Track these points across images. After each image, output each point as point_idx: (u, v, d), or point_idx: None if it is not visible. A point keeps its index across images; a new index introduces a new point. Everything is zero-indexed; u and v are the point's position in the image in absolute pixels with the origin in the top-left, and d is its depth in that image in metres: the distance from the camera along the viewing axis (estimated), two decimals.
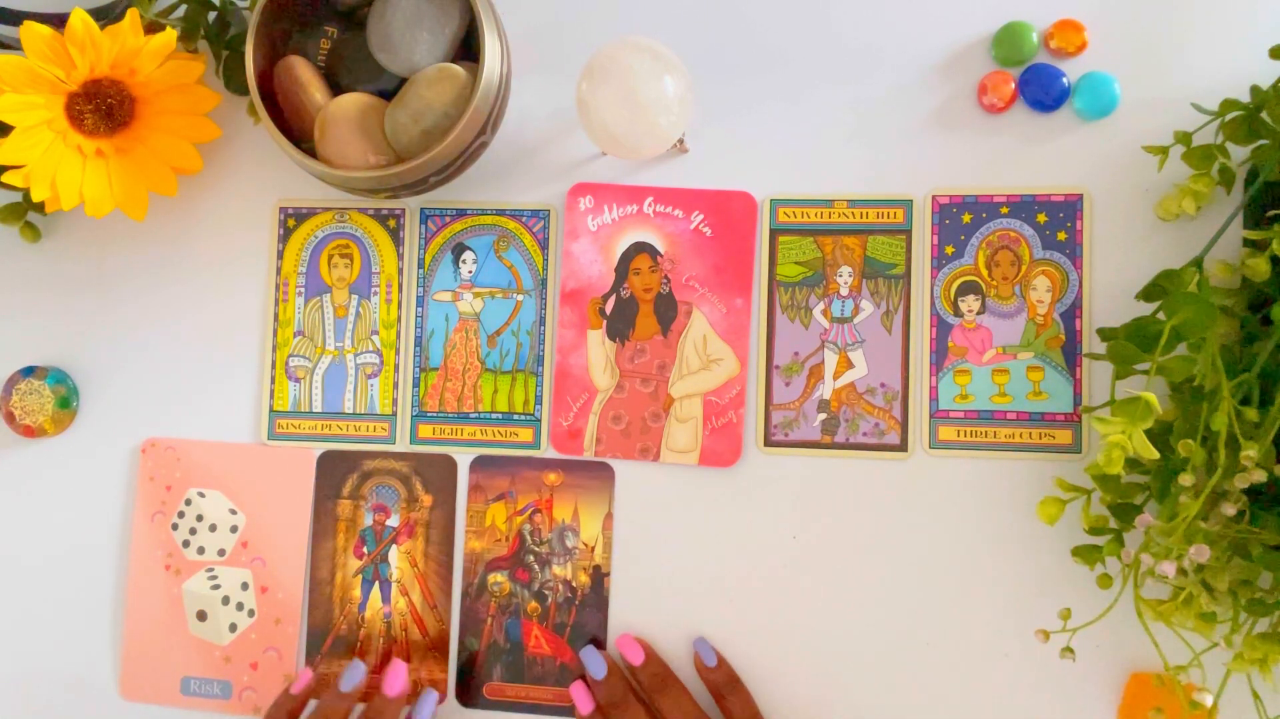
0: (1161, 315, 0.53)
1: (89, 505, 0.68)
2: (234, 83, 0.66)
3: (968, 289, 0.62)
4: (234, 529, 0.66)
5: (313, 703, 0.64)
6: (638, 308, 0.64)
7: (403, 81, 0.60)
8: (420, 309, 0.66)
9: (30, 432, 0.66)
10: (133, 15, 0.59)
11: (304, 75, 0.60)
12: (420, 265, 0.66)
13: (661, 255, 0.64)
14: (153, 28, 0.62)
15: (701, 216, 0.64)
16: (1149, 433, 0.53)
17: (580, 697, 0.62)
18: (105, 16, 0.63)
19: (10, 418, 0.66)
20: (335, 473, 0.66)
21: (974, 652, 0.61)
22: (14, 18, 0.64)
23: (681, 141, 0.64)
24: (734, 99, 0.64)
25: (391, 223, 0.67)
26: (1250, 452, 0.50)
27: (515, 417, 0.65)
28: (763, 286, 0.64)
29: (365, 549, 0.65)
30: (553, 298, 0.65)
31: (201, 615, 0.66)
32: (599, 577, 0.64)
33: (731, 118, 0.64)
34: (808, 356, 0.63)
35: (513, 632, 0.64)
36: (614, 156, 0.61)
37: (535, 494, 0.65)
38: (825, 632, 0.62)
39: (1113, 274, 0.61)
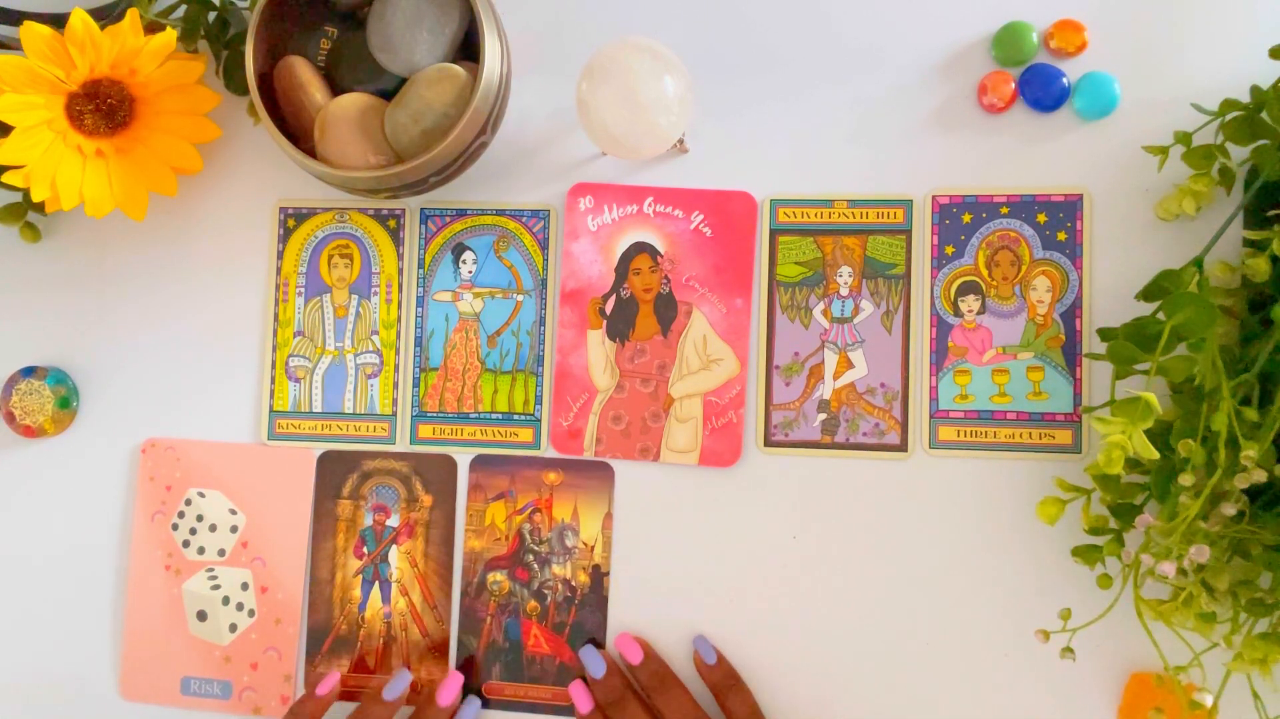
0: (1161, 315, 0.53)
1: (89, 505, 0.68)
2: (234, 83, 0.66)
3: (968, 289, 0.62)
4: (234, 529, 0.66)
5: (337, 705, 0.64)
6: (638, 308, 0.64)
7: (403, 81, 0.60)
8: (420, 309, 0.66)
9: (30, 432, 0.66)
10: (133, 15, 0.59)
11: (304, 75, 0.60)
12: (420, 265, 0.66)
13: (661, 255, 0.64)
14: (153, 28, 0.62)
15: (701, 216, 0.64)
16: (1149, 433, 0.53)
17: (579, 696, 0.61)
18: (105, 16, 0.63)
19: (10, 418, 0.66)
20: (335, 473, 0.66)
21: (974, 652, 0.61)
22: (14, 18, 0.64)
23: (681, 141, 0.64)
24: (734, 99, 0.64)
25: (391, 223, 0.67)
26: (1250, 452, 0.50)
27: (515, 417, 0.65)
28: (763, 286, 0.64)
29: (365, 549, 0.65)
30: (553, 298, 0.65)
31: (201, 615, 0.66)
32: (598, 576, 0.64)
33: (731, 118, 0.64)
34: (808, 357, 0.63)
35: (512, 631, 0.64)
36: (614, 156, 0.61)
37: (535, 493, 0.65)
38: (825, 631, 0.62)
39: (1113, 274, 0.61)
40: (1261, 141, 0.57)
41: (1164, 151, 0.59)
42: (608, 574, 0.64)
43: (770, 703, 0.62)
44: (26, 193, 0.64)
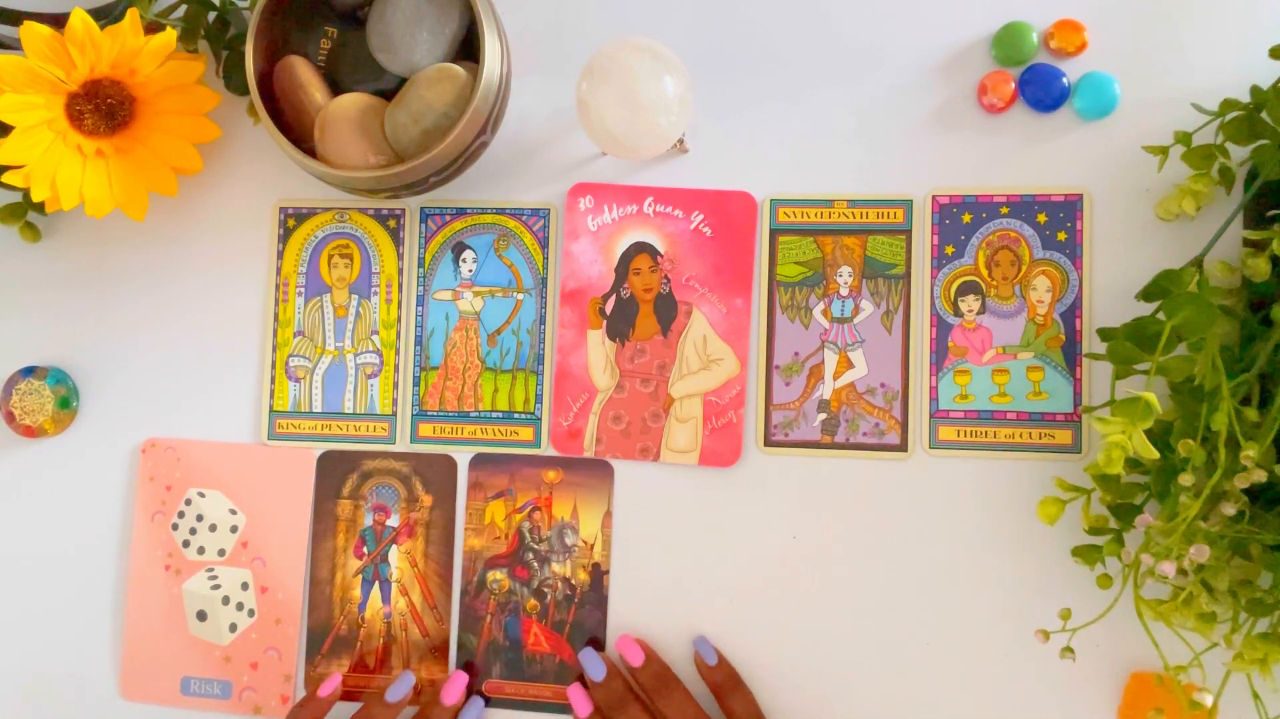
0: (1161, 315, 0.53)
1: (89, 505, 0.68)
2: (234, 83, 0.67)
3: (968, 289, 0.62)
4: (234, 529, 0.66)
5: (339, 706, 0.64)
6: (638, 308, 0.64)
7: (403, 81, 0.60)
8: (420, 308, 0.66)
9: (30, 432, 0.66)
10: (133, 15, 0.59)
11: (304, 75, 0.60)
12: (420, 264, 0.66)
13: (661, 255, 0.64)
14: (153, 28, 0.62)
15: (701, 216, 0.64)
16: (1149, 433, 0.53)
17: (578, 700, 0.61)
18: (105, 16, 0.63)
19: (10, 418, 0.66)
20: (335, 473, 0.66)
21: (974, 652, 0.61)
22: (14, 18, 0.64)
23: (681, 141, 0.64)
24: (734, 99, 0.64)
25: (391, 223, 0.67)
26: (1250, 452, 0.50)
27: (515, 415, 0.65)
28: (763, 286, 0.64)
29: (365, 549, 0.65)
30: (553, 297, 0.65)
31: (201, 615, 0.66)
32: (598, 574, 0.64)
33: (731, 118, 0.64)
34: (808, 357, 0.63)
35: (512, 629, 0.64)
36: (614, 156, 0.61)
37: (534, 492, 0.65)
38: (825, 631, 0.62)
39: (1113, 274, 0.61)
40: (1261, 141, 0.57)
41: (1164, 151, 0.59)
42: (607, 573, 0.64)
43: (770, 703, 0.62)
44: (26, 193, 0.64)
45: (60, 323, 0.68)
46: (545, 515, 0.64)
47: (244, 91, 0.66)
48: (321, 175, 0.60)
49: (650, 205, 0.65)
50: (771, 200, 0.64)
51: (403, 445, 0.66)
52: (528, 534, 0.64)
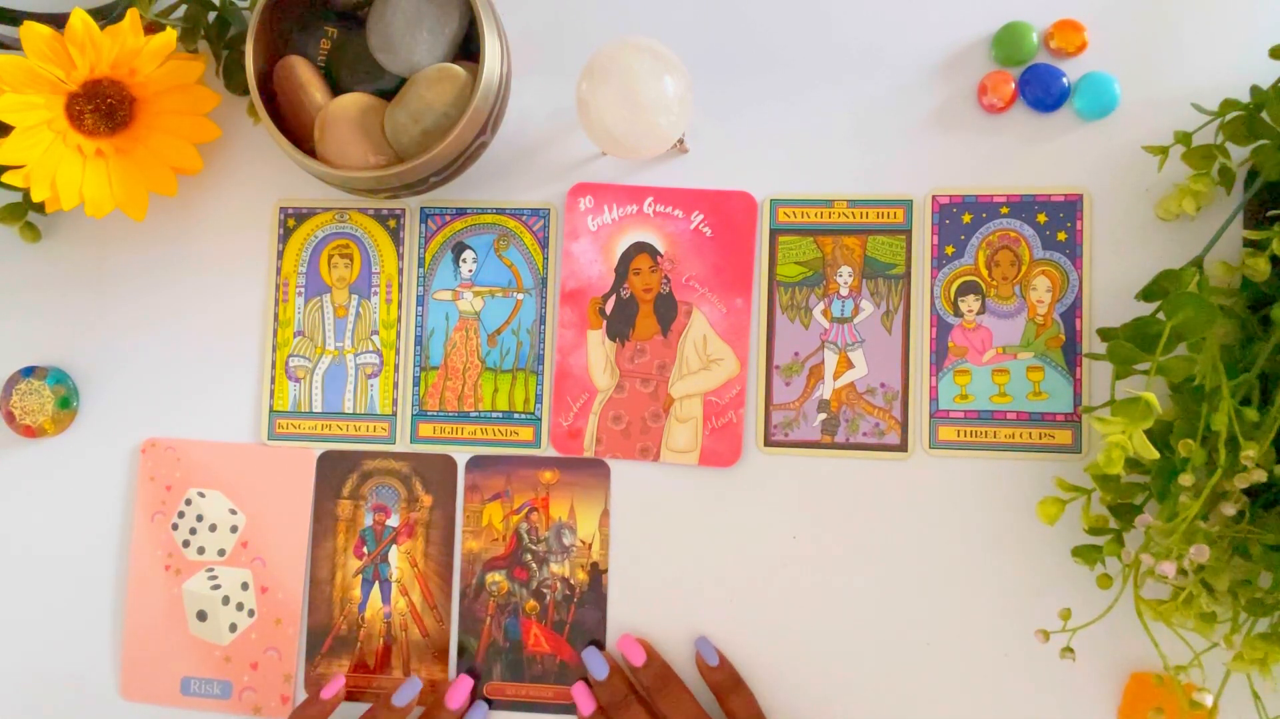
0: (1161, 315, 0.53)
1: (89, 505, 0.68)
2: (234, 83, 0.66)
3: (968, 289, 0.62)
4: (234, 529, 0.66)
5: (342, 706, 0.64)
6: (638, 308, 0.64)
7: (403, 81, 0.60)
8: (420, 308, 0.66)
9: (30, 432, 0.66)
10: (133, 15, 0.59)
11: (304, 75, 0.60)
12: (420, 264, 0.66)
13: (661, 255, 0.64)
14: (153, 28, 0.62)
15: (701, 216, 0.64)
16: (1149, 433, 0.53)
17: (582, 698, 0.62)
18: (105, 16, 0.63)
19: (10, 418, 0.66)
20: (335, 473, 0.66)
21: (974, 652, 0.61)
22: (14, 18, 0.64)
23: (681, 141, 0.64)
24: (734, 99, 0.64)
25: (392, 223, 0.67)
26: (1250, 452, 0.50)
27: (516, 415, 0.65)
28: (763, 286, 0.64)
29: (365, 549, 0.65)
30: (553, 297, 0.65)
31: (201, 615, 0.66)
32: (597, 574, 0.64)
33: (731, 118, 0.64)
34: (808, 357, 0.63)
35: (512, 631, 0.64)
36: (614, 156, 0.61)
37: (531, 493, 0.65)
38: (825, 631, 0.62)
39: (1113, 274, 0.61)
40: (1261, 141, 0.57)
41: (1164, 151, 0.59)
42: (606, 572, 0.64)
43: (770, 702, 0.62)
44: (26, 193, 0.64)
45: (60, 323, 0.68)
46: (542, 516, 0.64)
47: (244, 91, 0.66)
48: (321, 175, 0.60)
49: (650, 205, 0.65)
50: (771, 200, 0.64)
51: (403, 445, 0.66)
52: (525, 535, 0.64)
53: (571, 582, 0.64)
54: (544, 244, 0.65)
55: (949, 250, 0.63)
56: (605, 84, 0.56)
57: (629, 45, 0.57)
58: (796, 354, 0.63)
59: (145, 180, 0.63)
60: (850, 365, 0.63)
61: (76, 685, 0.67)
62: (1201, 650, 0.53)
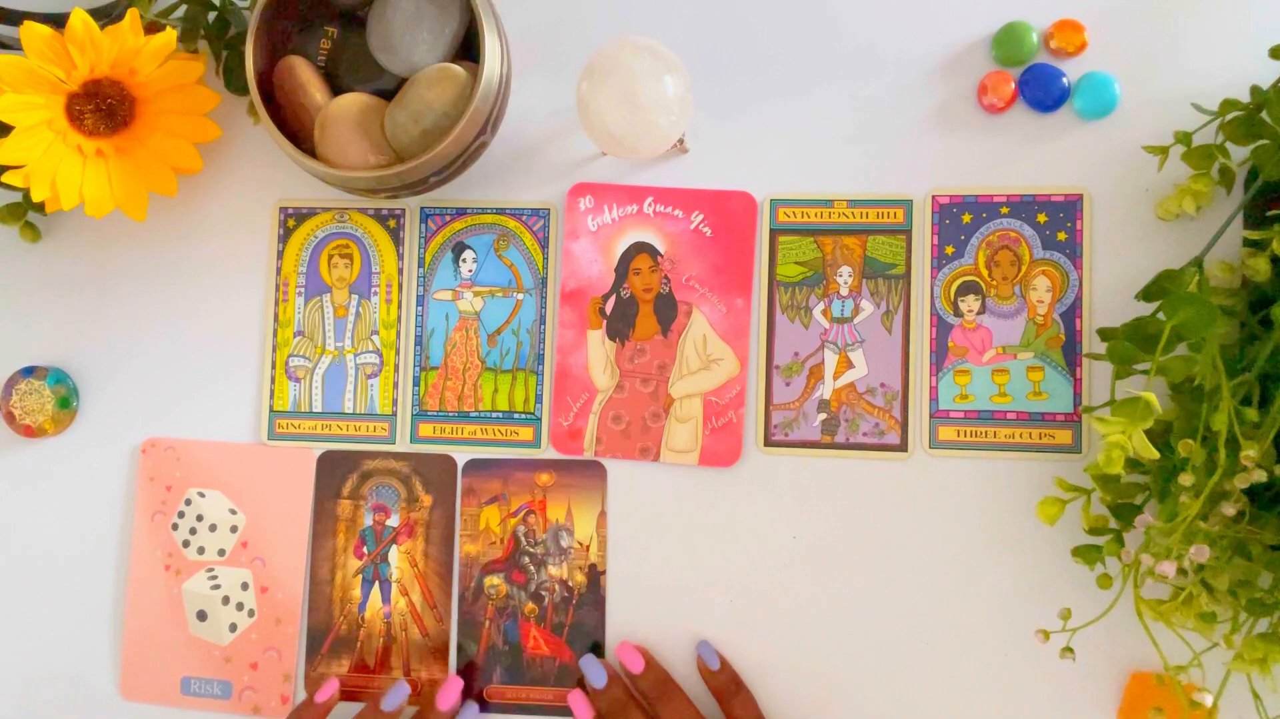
0: (1161, 315, 0.53)
1: (89, 505, 0.68)
2: (234, 83, 0.67)
3: (968, 289, 0.62)
4: (234, 529, 0.66)
5: (340, 705, 0.64)
6: (638, 308, 0.64)
7: (403, 81, 0.60)
8: (420, 308, 0.66)
9: (30, 432, 0.66)
10: (133, 15, 0.59)
11: (304, 75, 0.60)
12: (420, 264, 0.66)
13: (661, 255, 0.64)
14: (153, 28, 0.62)
15: (701, 216, 0.64)
16: (1149, 433, 0.53)
17: (579, 706, 0.61)
18: (105, 16, 0.63)
19: (10, 418, 0.66)
20: (335, 473, 0.66)
21: (974, 652, 0.61)
22: (14, 18, 0.64)
23: (681, 141, 0.64)
24: (734, 99, 0.64)
25: (392, 223, 0.67)
26: (1250, 451, 0.50)
27: (515, 415, 0.65)
28: (763, 286, 0.64)
29: (365, 549, 0.65)
30: (553, 297, 0.65)
31: (201, 615, 0.66)
32: (595, 575, 0.64)
33: (731, 118, 0.64)
34: (808, 356, 0.63)
35: (511, 634, 0.64)
36: (614, 156, 0.61)
37: (528, 495, 0.64)
38: (825, 632, 0.62)
39: (1113, 274, 0.61)
40: (1261, 141, 0.57)
41: (1164, 151, 0.59)
42: (604, 573, 0.64)
43: (769, 702, 0.62)
44: (26, 193, 0.64)
45: (60, 323, 0.68)
46: (540, 519, 0.64)
47: (244, 91, 0.66)
48: (321, 175, 0.60)
49: (650, 205, 0.65)
50: (771, 200, 0.64)
51: (403, 445, 0.66)
52: (523, 538, 0.64)
53: (570, 584, 0.64)
54: (544, 244, 0.65)
55: (949, 250, 0.63)
56: (605, 84, 0.56)
57: (629, 45, 0.57)
58: (796, 354, 0.63)
59: (145, 180, 0.63)
60: (850, 365, 0.63)
61: (76, 685, 0.67)
62: (1201, 650, 0.53)
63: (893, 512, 0.62)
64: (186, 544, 0.66)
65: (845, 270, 0.63)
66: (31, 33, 0.58)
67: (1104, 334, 0.58)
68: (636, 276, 0.65)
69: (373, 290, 0.67)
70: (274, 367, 0.67)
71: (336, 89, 0.61)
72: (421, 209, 0.67)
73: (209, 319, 0.67)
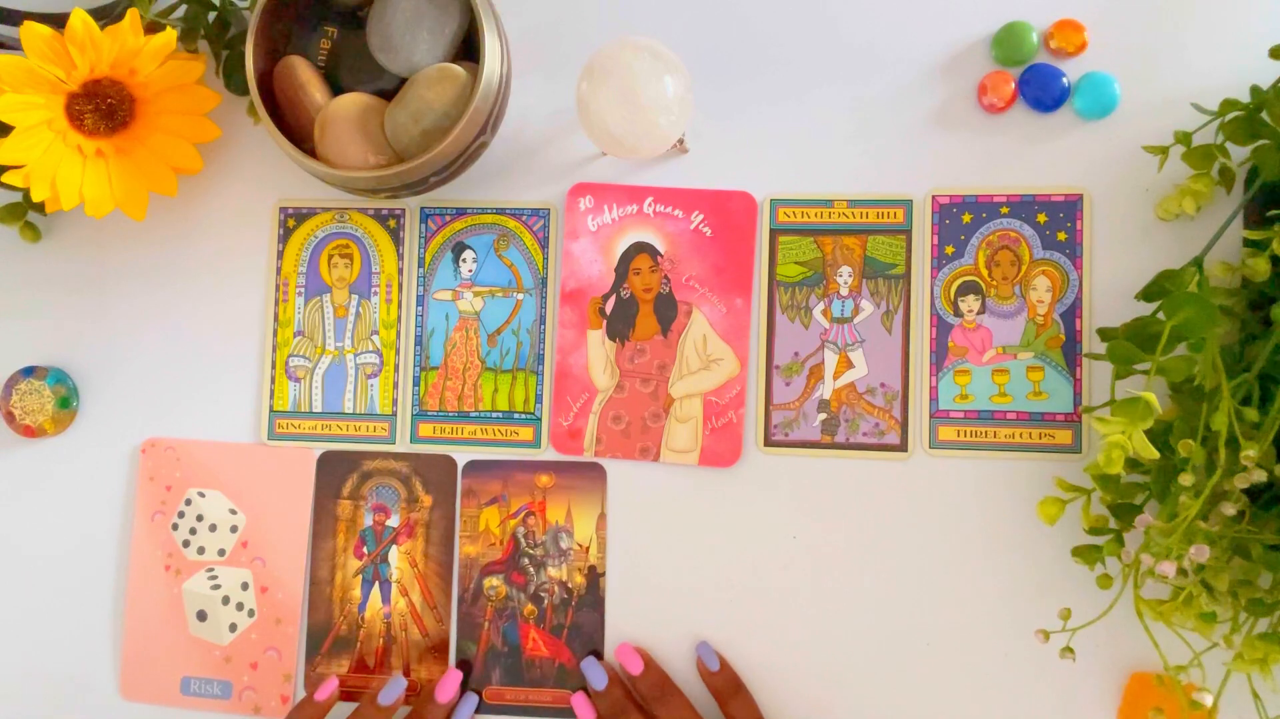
0: (1161, 315, 0.53)
1: (89, 505, 0.68)
2: (234, 83, 0.67)
3: (968, 289, 0.62)
4: (234, 529, 0.66)
5: (338, 706, 0.64)
6: (638, 308, 0.64)
7: (403, 81, 0.60)
8: (420, 308, 0.66)
9: (30, 432, 0.66)
10: (133, 15, 0.59)
11: (304, 75, 0.60)
12: (420, 264, 0.66)
13: (661, 255, 0.64)
14: (153, 28, 0.62)
15: (701, 216, 0.64)
16: (1149, 433, 0.53)
17: (581, 708, 0.61)
18: (105, 16, 0.63)
19: (10, 418, 0.66)
20: (335, 473, 0.66)
21: (974, 652, 0.61)
22: (14, 18, 0.64)
23: (681, 141, 0.64)
24: (734, 99, 0.64)
25: (392, 223, 0.67)
26: (1250, 452, 0.50)
27: (515, 415, 0.65)
28: (763, 286, 0.64)
29: (365, 549, 0.65)
30: (553, 297, 0.65)
31: (201, 615, 0.66)
32: (594, 577, 0.64)
33: (731, 118, 0.64)
34: (808, 357, 0.63)
35: (510, 635, 0.64)
36: (614, 156, 0.61)
37: (528, 497, 0.64)
38: (825, 632, 0.62)
39: (1113, 274, 0.61)
40: (1261, 141, 0.57)
41: (1164, 151, 0.59)
42: (604, 575, 0.64)
43: (769, 702, 0.62)
44: (26, 193, 0.65)
45: (60, 323, 0.68)
46: (539, 520, 0.64)
47: (244, 91, 0.66)
48: (321, 175, 0.60)
49: (650, 205, 0.65)
50: (771, 200, 0.64)
51: (403, 445, 0.66)
52: (522, 539, 0.64)
53: (569, 585, 0.64)
54: (544, 244, 0.65)
55: (949, 250, 0.63)
56: (605, 84, 0.56)
57: (629, 45, 0.57)
58: (796, 354, 0.63)
59: (145, 180, 0.63)
60: (850, 365, 0.63)
61: (76, 685, 0.67)
62: (1201, 650, 0.53)
63: (893, 512, 0.62)
64: (186, 544, 0.66)
65: (845, 270, 0.63)
66: (31, 33, 0.58)
67: (1104, 334, 0.58)
68: (636, 276, 0.65)
69: (373, 290, 0.67)
70: (274, 366, 0.67)
71: (336, 89, 0.61)
72: (421, 209, 0.67)
73: (209, 319, 0.67)
